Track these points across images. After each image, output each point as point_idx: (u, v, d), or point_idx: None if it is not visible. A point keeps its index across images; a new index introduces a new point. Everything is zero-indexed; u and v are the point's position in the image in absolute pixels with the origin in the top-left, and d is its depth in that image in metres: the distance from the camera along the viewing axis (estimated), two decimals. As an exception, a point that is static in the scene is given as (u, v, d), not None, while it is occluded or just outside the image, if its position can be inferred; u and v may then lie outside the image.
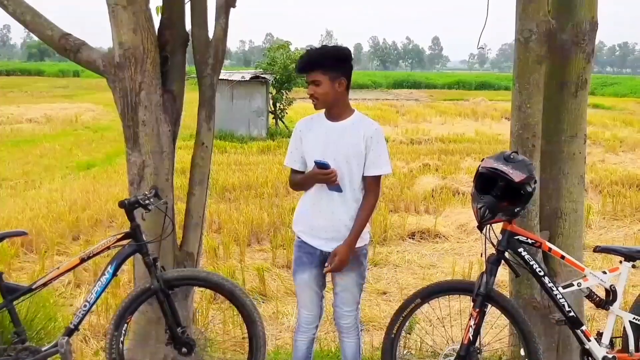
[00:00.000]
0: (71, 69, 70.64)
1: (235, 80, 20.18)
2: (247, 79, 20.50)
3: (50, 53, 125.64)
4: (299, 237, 3.86)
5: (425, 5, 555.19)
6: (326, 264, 3.72)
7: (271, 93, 22.00)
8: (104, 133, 20.54)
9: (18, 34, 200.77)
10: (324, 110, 3.74)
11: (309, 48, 3.76)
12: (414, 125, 24.99)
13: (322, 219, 3.71)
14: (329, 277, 3.89)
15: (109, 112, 27.57)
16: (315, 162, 3.58)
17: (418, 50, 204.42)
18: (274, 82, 21.85)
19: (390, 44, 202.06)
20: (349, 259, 3.66)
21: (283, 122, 22.54)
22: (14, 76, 64.89)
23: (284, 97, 22.42)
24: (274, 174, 12.94)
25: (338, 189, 3.63)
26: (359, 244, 3.73)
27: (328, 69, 3.57)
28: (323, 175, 3.57)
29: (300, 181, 3.82)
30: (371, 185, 3.71)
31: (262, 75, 20.90)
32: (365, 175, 3.70)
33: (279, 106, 22.55)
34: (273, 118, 22.57)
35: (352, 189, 3.68)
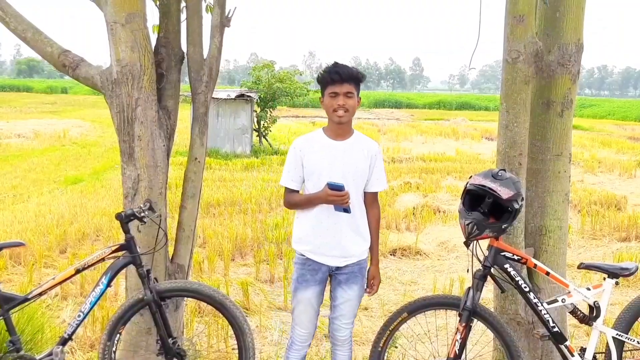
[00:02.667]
0: (59, 85, 70.67)
1: (220, 98, 20.24)
2: (233, 97, 20.57)
3: (39, 70, 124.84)
4: (302, 255, 3.80)
5: (406, 26, 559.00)
6: (367, 290, 3.88)
7: (256, 111, 22.12)
8: (92, 149, 20.54)
9: (7, 50, 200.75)
10: (321, 129, 3.80)
11: (335, 62, 3.71)
12: (395, 144, 25.18)
13: (329, 237, 3.71)
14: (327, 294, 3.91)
15: (97, 129, 27.58)
16: (328, 184, 3.55)
17: (399, 70, 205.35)
18: (258, 101, 22.01)
19: (372, 64, 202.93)
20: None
21: (267, 140, 22.69)
22: (3, 92, 64.79)
23: (268, 115, 22.54)
24: (258, 190, 13.05)
25: (347, 210, 3.64)
26: (362, 257, 3.82)
27: (358, 86, 3.70)
28: (336, 197, 3.55)
29: (303, 201, 3.77)
30: (374, 200, 3.85)
31: (247, 94, 20.99)
32: (369, 191, 3.81)
33: (263, 124, 22.67)
34: (257, 136, 22.63)
35: (359, 205, 3.75)
